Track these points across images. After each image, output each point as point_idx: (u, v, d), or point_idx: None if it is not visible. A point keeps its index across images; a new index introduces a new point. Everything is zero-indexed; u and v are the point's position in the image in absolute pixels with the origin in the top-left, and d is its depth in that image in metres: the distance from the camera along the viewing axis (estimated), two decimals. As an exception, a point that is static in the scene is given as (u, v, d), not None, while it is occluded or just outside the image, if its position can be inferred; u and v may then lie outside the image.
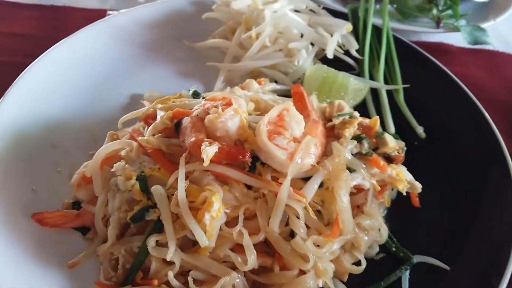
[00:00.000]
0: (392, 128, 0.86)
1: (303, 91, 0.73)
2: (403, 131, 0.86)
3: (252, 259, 0.59)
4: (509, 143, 0.87)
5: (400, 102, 0.90)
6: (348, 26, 0.94)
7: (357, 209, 0.68)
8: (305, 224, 0.61)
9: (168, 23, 1.02)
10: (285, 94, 0.88)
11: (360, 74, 0.95)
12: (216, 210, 0.57)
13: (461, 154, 0.81)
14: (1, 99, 0.78)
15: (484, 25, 1.10)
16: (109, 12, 1.11)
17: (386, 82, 0.93)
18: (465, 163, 0.80)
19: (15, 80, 0.82)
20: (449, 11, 1.07)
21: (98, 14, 1.11)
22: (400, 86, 0.91)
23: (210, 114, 0.64)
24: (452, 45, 1.12)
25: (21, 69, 0.87)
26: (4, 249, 0.63)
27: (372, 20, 0.99)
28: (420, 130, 0.86)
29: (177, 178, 0.60)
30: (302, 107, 0.71)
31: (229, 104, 0.65)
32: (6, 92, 0.79)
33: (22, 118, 0.79)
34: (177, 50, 0.99)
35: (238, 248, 0.60)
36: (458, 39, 1.11)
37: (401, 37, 1.00)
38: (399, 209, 0.73)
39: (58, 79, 0.86)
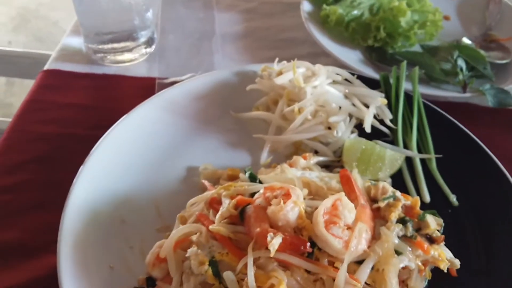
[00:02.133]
0: (427, 197, 0.94)
1: (349, 175, 0.81)
2: (437, 199, 0.94)
3: None
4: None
5: (433, 170, 0.98)
6: (382, 100, 1.03)
7: (402, 283, 0.75)
8: (360, 304, 0.69)
9: (215, 94, 1.10)
10: (327, 165, 0.98)
11: (393, 142, 1.02)
12: (284, 296, 0.66)
13: (491, 221, 0.89)
14: (76, 177, 0.88)
15: (509, 87, 1.18)
16: (157, 81, 1.20)
17: (419, 150, 1.01)
18: (496, 230, 0.88)
19: (87, 158, 0.91)
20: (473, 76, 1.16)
21: (147, 83, 1.20)
22: (433, 156, 0.99)
23: (271, 204, 0.72)
24: (478, 105, 1.18)
25: (84, 141, 0.97)
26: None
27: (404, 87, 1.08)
28: (453, 198, 0.94)
29: (245, 264, 0.68)
30: (350, 190, 0.79)
31: (288, 195, 0.73)
32: (78, 172, 0.89)
33: (95, 194, 0.88)
34: (224, 121, 1.07)
35: (301, 330, 0.68)
36: (483, 100, 1.18)
37: (430, 104, 1.08)
38: (438, 280, 0.81)
39: (122, 155, 0.95)
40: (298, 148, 1.01)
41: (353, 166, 0.93)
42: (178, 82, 1.14)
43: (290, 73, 1.05)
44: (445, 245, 0.81)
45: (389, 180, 0.95)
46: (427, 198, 0.93)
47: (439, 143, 1.02)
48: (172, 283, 0.74)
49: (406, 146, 1.02)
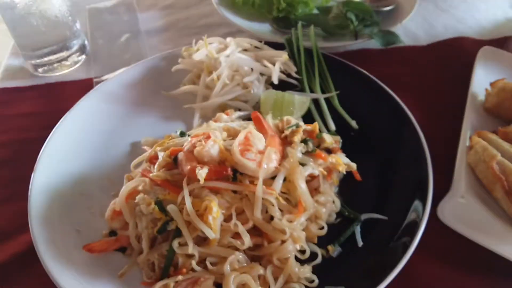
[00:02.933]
0: (332, 125, 1.13)
1: (259, 115, 0.99)
2: (342, 126, 1.14)
3: (247, 241, 0.84)
4: (422, 116, 1.14)
5: (336, 105, 1.17)
6: (285, 56, 1.21)
7: (315, 191, 0.94)
8: (279, 208, 0.87)
9: (146, 79, 1.26)
10: (248, 118, 1.15)
11: (302, 90, 1.21)
12: (216, 212, 0.82)
13: (383, 134, 1.09)
14: (36, 165, 1.02)
15: (395, 28, 1.38)
16: (94, 80, 1.34)
17: (323, 92, 1.20)
18: (386, 139, 1.08)
19: (42, 149, 1.05)
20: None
21: (86, 83, 1.34)
22: (333, 94, 1.18)
23: (196, 147, 0.89)
24: (372, 49, 1.39)
25: (39, 141, 1.10)
26: (69, 276, 0.86)
27: (304, 44, 1.27)
28: (353, 123, 1.13)
29: (183, 197, 0.85)
30: (260, 127, 0.97)
31: (208, 137, 0.90)
32: (37, 159, 1.03)
33: (55, 176, 1.02)
34: (158, 100, 1.23)
35: (236, 235, 0.85)
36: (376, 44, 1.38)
37: (328, 53, 1.27)
38: (346, 185, 1.00)
39: (73, 142, 1.09)
40: (223, 110, 1.18)
41: (268, 114, 1.11)
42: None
43: (205, 49, 1.22)
44: (350, 158, 1.01)
45: (301, 119, 1.13)
46: (332, 126, 1.12)
47: (339, 84, 1.21)
48: (129, 228, 0.90)
49: (312, 91, 1.21)
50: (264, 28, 1.46)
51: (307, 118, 1.14)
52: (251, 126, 1.00)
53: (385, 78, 1.22)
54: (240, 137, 0.90)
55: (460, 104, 1.17)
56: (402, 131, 1.08)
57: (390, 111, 1.12)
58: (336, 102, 1.18)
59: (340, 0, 1.48)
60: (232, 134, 0.98)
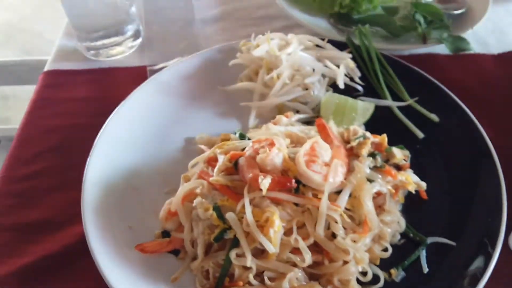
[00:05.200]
0: (420, 134, 1.07)
1: (324, 123, 0.94)
2: (407, 136, 1.08)
3: (307, 258, 0.79)
4: (491, 132, 1.07)
5: (397, 113, 1.11)
6: (350, 62, 1.15)
7: (379, 208, 0.88)
8: (343, 226, 0.82)
9: (202, 72, 1.22)
10: (308, 121, 1.11)
11: (365, 95, 1.15)
12: (278, 225, 0.78)
13: (454, 150, 1.02)
14: (90, 155, 1.00)
15: (465, 34, 1.30)
16: (148, 68, 1.31)
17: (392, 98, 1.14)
18: (458, 157, 1.01)
19: (96, 140, 1.03)
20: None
21: (139, 71, 1.31)
22: (411, 101, 1.12)
23: (259, 153, 0.85)
24: (439, 54, 1.31)
25: (90, 128, 1.08)
26: (120, 275, 0.84)
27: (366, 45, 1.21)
28: (420, 133, 1.07)
29: (243, 205, 0.81)
30: (325, 135, 0.92)
31: (272, 144, 0.86)
32: (91, 152, 1.01)
33: (108, 168, 1.00)
34: (213, 95, 1.19)
35: (296, 250, 0.81)
36: (444, 49, 1.30)
37: (391, 55, 1.21)
38: (412, 203, 0.94)
39: (127, 133, 1.07)
40: (281, 110, 1.13)
41: (330, 119, 1.06)
42: (167, 66, 1.25)
43: (266, 44, 1.17)
44: (416, 173, 0.95)
45: (363, 127, 1.07)
46: (420, 134, 1.07)
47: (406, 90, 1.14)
48: (184, 231, 0.87)
49: (379, 97, 1.15)
50: (323, 24, 1.40)
51: (370, 125, 1.08)
52: (313, 132, 0.96)
53: (453, 87, 1.15)
54: (306, 146, 0.85)
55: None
56: (473, 148, 1.00)
57: (459, 125, 1.06)
58: (397, 110, 1.11)
59: (407, 0, 1.40)
60: (295, 141, 0.93)
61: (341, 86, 1.12)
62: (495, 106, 1.19)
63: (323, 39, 1.23)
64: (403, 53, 1.30)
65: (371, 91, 1.16)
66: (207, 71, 1.23)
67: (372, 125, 1.07)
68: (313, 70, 1.15)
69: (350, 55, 1.18)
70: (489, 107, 1.18)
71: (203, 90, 1.20)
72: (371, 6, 1.40)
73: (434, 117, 1.09)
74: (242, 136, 0.97)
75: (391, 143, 0.95)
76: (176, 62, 1.27)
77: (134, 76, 1.30)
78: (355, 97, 1.14)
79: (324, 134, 0.92)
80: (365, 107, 1.10)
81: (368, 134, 0.94)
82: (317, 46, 1.22)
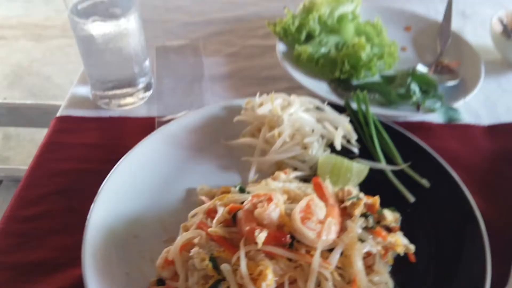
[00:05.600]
0: (411, 198, 1.12)
1: (321, 182, 0.99)
2: (398, 200, 1.12)
3: (298, 313, 0.82)
4: (480, 200, 1.12)
5: (391, 177, 1.16)
6: (347, 126, 1.22)
7: (369, 268, 0.91)
8: (333, 284, 0.85)
9: (207, 126, 1.29)
10: (305, 178, 1.15)
11: (361, 157, 1.21)
12: (270, 279, 0.82)
13: (442, 215, 1.07)
14: (95, 200, 1.05)
15: (457, 104, 1.38)
16: (157, 120, 1.38)
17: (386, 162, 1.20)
18: (446, 222, 1.05)
19: (101, 187, 1.08)
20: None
21: (147, 122, 1.38)
22: (404, 166, 1.17)
23: (257, 207, 0.89)
24: (432, 123, 1.37)
25: (96, 174, 1.13)
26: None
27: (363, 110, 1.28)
28: (410, 197, 1.12)
29: (239, 257, 0.85)
30: (321, 194, 0.97)
31: (270, 199, 0.90)
32: (95, 197, 1.06)
33: (111, 214, 1.04)
34: (217, 148, 1.25)
35: (287, 305, 0.84)
36: (438, 117, 1.37)
37: (389, 121, 1.27)
38: (400, 265, 0.97)
39: (132, 181, 1.12)
40: (280, 167, 1.18)
41: (326, 178, 1.11)
42: (174, 119, 1.32)
43: (269, 104, 1.24)
44: (405, 236, 0.99)
45: (357, 188, 1.12)
46: (411, 198, 1.12)
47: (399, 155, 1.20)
48: (179, 280, 0.90)
49: (373, 159, 1.20)
50: (323, 88, 1.48)
51: (364, 186, 1.13)
52: (309, 190, 1.00)
53: (444, 155, 1.21)
54: (302, 203, 0.90)
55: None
56: (461, 214, 1.05)
57: (449, 191, 1.10)
58: (390, 174, 1.17)
59: (404, 70, 1.49)
60: (292, 198, 0.98)
61: (338, 147, 1.18)
62: (483, 175, 1.24)
63: (323, 102, 1.30)
64: (398, 119, 1.36)
65: (366, 154, 1.22)
66: (212, 125, 1.30)
67: (366, 187, 1.11)
68: (312, 130, 1.21)
69: (348, 119, 1.25)
70: (478, 176, 1.23)
71: (207, 143, 1.26)
72: (370, 74, 1.49)
73: (425, 182, 1.14)
74: (242, 190, 1.02)
75: (383, 205, 1.00)
76: (183, 115, 1.33)
77: (143, 127, 1.36)
78: (351, 158, 1.19)
79: (320, 192, 0.97)
80: (360, 169, 1.15)
81: (361, 195, 0.98)
82: (317, 108, 1.30)
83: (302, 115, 1.22)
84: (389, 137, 1.24)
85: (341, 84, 1.48)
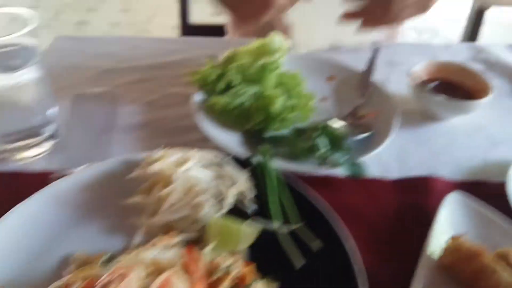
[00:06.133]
0: (299, 263, 1.06)
1: (192, 251, 0.93)
2: (289, 262, 1.07)
3: None
4: (375, 259, 1.10)
5: (282, 239, 1.12)
6: (244, 181, 1.18)
7: None
8: None
9: (101, 183, 1.23)
10: (194, 240, 1.10)
11: (259, 216, 1.16)
12: None
13: (330, 281, 1.02)
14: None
15: (365, 158, 1.35)
16: (52, 175, 1.31)
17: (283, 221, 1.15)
18: (330, 278, 1.01)
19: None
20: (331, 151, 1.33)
21: (44, 177, 1.32)
22: (297, 226, 1.13)
23: (111, 284, 0.84)
24: (338, 177, 1.34)
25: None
26: None
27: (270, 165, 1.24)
28: (300, 261, 1.07)
29: None
30: (189, 265, 0.91)
31: (124, 276, 0.85)
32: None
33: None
34: (108, 207, 1.19)
35: None
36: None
37: (291, 176, 1.24)
38: None
39: (9, 244, 1.05)
40: (170, 229, 1.13)
41: (214, 242, 1.06)
42: (68, 174, 1.26)
43: (166, 159, 1.20)
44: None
45: (245, 251, 1.07)
46: (301, 261, 1.06)
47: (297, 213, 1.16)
48: None
49: (270, 218, 1.16)
50: (234, 139, 1.45)
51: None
52: (171, 274, 0.94)
53: (348, 212, 1.18)
54: (158, 281, 0.84)
55: (417, 253, 1.10)
56: (350, 281, 1.00)
57: (340, 254, 1.06)
58: (283, 235, 1.12)
59: (318, 122, 1.47)
60: (160, 270, 0.92)
61: (226, 208, 1.13)
62: (387, 231, 1.20)
63: (228, 155, 1.26)
64: (303, 174, 1.33)
65: (262, 212, 1.18)
66: (107, 182, 1.24)
67: (255, 249, 1.07)
68: (206, 189, 1.17)
69: (248, 175, 1.21)
70: (382, 233, 1.19)
71: (99, 202, 1.21)
72: (284, 126, 1.47)
73: (317, 243, 1.09)
74: (110, 260, 0.96)
75: (270, 268, 0.96)
76: (79, 170, 1.28)
77: (39, 182, 1.30)
78: (246, 217, 1.15)
79: (189, 262, 0.92)
80: (249, 231, 1.10)
81: (235, 265, 0.93)
82: (220, 163, 1.26)
83: (196, 172, 1.18)
84: (290, 194, 1.20)
85: (254, 136, 1.45)
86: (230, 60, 1.63)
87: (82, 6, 6.12)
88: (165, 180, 1.19)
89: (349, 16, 1.63)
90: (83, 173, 1.25)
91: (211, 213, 1.15)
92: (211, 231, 1.10)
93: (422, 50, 2.06)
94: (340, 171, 1.33)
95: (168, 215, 1.13)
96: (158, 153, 1.25)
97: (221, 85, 1.56)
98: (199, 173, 1.19)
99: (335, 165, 1.31)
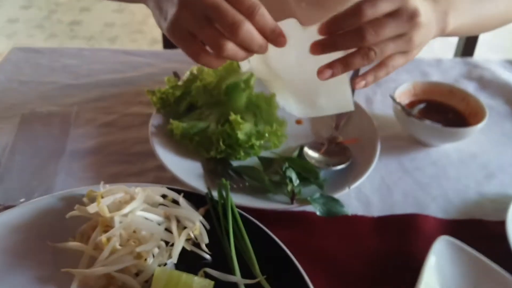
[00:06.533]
0: None
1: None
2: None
3: None
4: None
5: None
6: (197, 224, 1.02)
7: None
8: None
9: (35, 223, 1.07)
10: None
11: (215, 264, 1.00)
12: None
13: None
14: None
15: (341, 193, 1.19)
16: (-11, 209, 1.15)
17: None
18: None
19: None
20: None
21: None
22: (260, 279, 0.96)
23: None
24: (312, 213, 1.17)
25: None
26: None
27: (233, 201, 1.08)
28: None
29: None
30: None
31: None
32: None
33: None
34: (42, 253, 1.02)
35: None
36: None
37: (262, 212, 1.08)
38: None
39: None
40: (109, 280, 0.97)
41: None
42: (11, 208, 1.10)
43: (107, 198, 1.03)
44: None
45: (195, 309, 0.91)
46: None
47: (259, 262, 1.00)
48: None
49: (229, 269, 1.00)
50: (195, 169, 1.29)
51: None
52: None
53: (322, 255, 1.05)
54: None
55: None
56: None
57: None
58: (243, 289, 0.96)
59: (290, 147, 1.31)
60: None
61: (174, 260, 0.97)
62: (364, 280, 1.04)
63: (181, 191, 1.10)
64: (269, 211, 1.17)
65: (220, 261, 1.01)
66: (41, 222, 1.07)
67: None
68: (152, 234, 1.00)
69: (203, 215, 1.05)
70: (359, 281, 1.04)
71: (31, 245, 1.04)
72: (251, 154, 1.31)
73: None
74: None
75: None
76: (12, 208, 1.11)
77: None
78: (199, 268, 0.98)
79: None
80: (202, 284, 0.94)
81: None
82: (171, 201, 1.09)
83: (140, 216, 1.02)
84: (253, 238, 1.04)
85: (217, 166, 1.29)
86: (194, 78, 1.48)
87: (75, 6, 5.94)
88: (105, 223, 1.02)
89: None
90: (12, 212, 1.08)
91: (157, 263, 0.98)
92: (157, 285, 0.94)
93: (411, 65, 1.88)
94: (313, 208, 1.17)
95: (106, 266, 0.96)
96: (100, 189, 1.08)
97: (183, 106, 1.40)
98: (145, 215, 1.03)
99: (306, 201, 1.15)
